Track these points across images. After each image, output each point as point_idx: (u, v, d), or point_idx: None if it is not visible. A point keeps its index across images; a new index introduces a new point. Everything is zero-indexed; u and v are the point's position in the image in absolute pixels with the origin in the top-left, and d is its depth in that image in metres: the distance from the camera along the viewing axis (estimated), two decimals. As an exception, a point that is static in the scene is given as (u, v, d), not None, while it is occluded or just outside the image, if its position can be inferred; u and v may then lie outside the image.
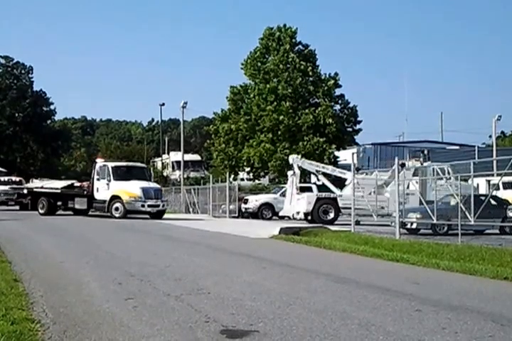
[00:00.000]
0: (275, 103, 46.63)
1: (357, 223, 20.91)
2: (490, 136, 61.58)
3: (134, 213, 29.03)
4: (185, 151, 55.72)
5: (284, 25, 49.79)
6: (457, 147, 55.21)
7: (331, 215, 26.66)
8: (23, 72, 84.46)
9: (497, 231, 19.96)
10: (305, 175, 48.02)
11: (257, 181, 50.37)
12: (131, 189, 28.90)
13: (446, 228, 19.64)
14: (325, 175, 30.28)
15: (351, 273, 11.17)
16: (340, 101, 49.78)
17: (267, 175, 50.13)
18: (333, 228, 21.02)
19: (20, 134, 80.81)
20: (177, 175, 54.64)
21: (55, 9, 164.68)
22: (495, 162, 25.80)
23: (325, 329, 6.27)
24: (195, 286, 8.93)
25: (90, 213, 31.36)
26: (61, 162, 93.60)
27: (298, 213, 27.35)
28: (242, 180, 50.56)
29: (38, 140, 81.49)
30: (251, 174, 49.33)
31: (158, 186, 32.15)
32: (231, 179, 48.80)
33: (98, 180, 29.90)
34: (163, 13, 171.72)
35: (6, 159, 75.06)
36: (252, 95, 48.68)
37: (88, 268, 11.03)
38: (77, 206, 31.09)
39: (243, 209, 34.25)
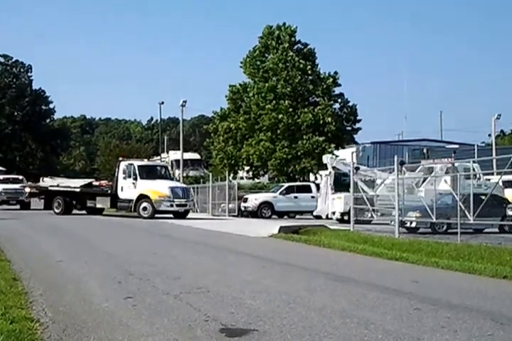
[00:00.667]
0: (274, 102, 46.60)
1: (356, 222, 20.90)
2: (489, 135, 61.58)
3: (162, 213, 28.42)
4: (185, 150, 55.71)
5: (284, 24, 49.76)
6: (456, 146, 55.14)
7: (368, 215, 26.25)
8: (22, 70, 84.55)
9: (496, 229, 19.94)
10: (303, 174, 48.13)
11: (256, 180, 50.35)
12: (159, 188, 28.42)
13: (445, 227, 19.62)
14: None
15: (350, 272, 11.17)
16: (339, 100, 49.75)
17: (266, 174, 50.11)
18: (332, 227, 21.02)
19: (20, 133, 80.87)
20: (176, 173, 54.56)
21: (55, 6, 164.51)
22: (494, 161, 25.79)
23: (324, 328, 6.26)
24: (194, 285, 8.93)
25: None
26: (60, 161, 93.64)
27: (334, 213, 27.09)
28: (242, 178, 50.54)
29: (37, 139, 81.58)
30: (250, 173, 49.31)
31: (185, 185, 31.74)
32: (230, 178, 48.88)
33: (124, 178, 29.34)
34: (162, 13, 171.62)
35: (4, 158, 75.10)
36: (251, 94, 48.63)
37: (87, 267, 11.03)
38: (98, 205, 30.49)
39: (242, 208, 34.20)
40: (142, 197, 28.30)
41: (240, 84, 49.97)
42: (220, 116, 49.91)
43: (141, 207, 28.18)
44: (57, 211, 30.87)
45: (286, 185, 35.71)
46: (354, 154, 45.32)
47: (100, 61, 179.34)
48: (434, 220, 18.11)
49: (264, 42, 49.50)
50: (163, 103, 60.68)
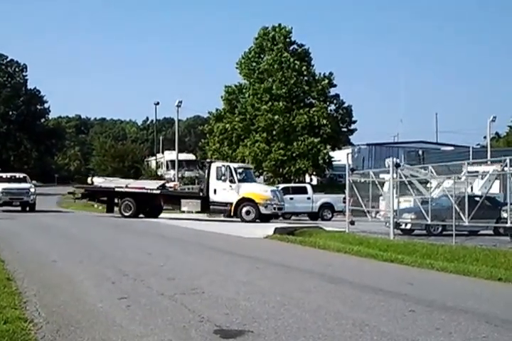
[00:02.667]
0: (270, 103, 46.63)
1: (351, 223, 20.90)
2: (484, 137, 61.75)
3: (266, 216, 27.22)
4: (180, 150, 55.57)
5: (279, 25, 49.81)
6: (452, 148, 55.27)
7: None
8: (17, 70, 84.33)
9: (491, 232, 19.96)
10: (299, 175, 48.15)
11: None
12: (262, 191, 27.69)
13: (440, 229, 19.64)
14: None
15: (345, 273, 11.18)
16: (335, 101, 49.83)
17: (261, 175, 50.10)
18: (327, 228, 21.02)
19: (14, 132, 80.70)
20: (171, 174, 54.44)
21: (50, 5, 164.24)
22: (489, 163, 25.80)
23: (319, 330, 6.26)
24: (189, 286, 8.91)
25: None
26: (55, 160, 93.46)
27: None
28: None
29: (31, 138, 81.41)
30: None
31: (279, 188, 31.04)
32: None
33: (220, 180, 27.90)
34: (158, 13, 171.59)
35: (-1, 157, 74.96)
36: (246, 95, 48.67)
37: (82, 267, 10.99)
38: (185, 208, 29.18)
39: (238, 209, 34.00)
40: (244, 201, 27.11)
41: (236, 85, 50.01)
42: (215, 117, 49.92)
43: (244, 210, 26.99)
44: (126, 214, 28.53)
45: (281, 186, 35.64)
46: (349, 156, 45.20)
47: (96, 61, 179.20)
48: (429, 222, 18.12)
49: (259, 44, 49.56)
50: (158, 103, 60.58)
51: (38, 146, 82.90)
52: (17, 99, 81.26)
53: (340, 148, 50.16)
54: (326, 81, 48.56)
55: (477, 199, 17.20)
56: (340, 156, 47.38)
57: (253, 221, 26.08)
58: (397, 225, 18.73)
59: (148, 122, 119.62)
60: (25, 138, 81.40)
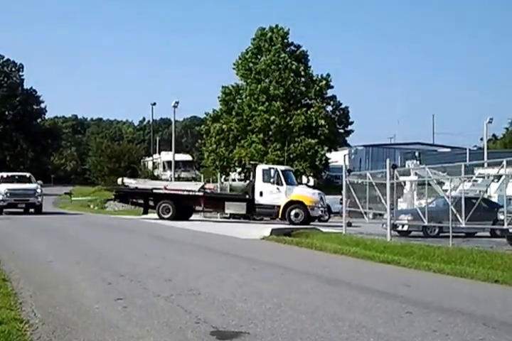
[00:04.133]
0: (267, 103, 46.65)
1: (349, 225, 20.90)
2: (481, 139, 61.92)
3: (312, 220, 27.11)
4: (177, 151, 55.56)
5: (276, 26, 49.83)
6: (448, 149, 55.38)
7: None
8: (13, 69, 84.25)
9: (488, 233, 19.98)
10: (296, 176, 48.13)
11: (248, 181, 50.29)
12: (310, 194, 27.65)
13: (437, 230, 19.67)
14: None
15: (342, 275, 11.17)
16: (332, 103, 49.88)
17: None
18: (324, 229, 21.01)
19: (10, 132, 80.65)
20: (168, 175, 54.42)
21: (46, 5, 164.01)
22: (486, 165, 25.84)
23: (315, 331, 6.25)
24: (185, 287, 8.90)
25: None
26: (51, 161, 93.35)
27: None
28: (234, 180, 50.47)
29: (28, 138, 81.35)
30: (242, 174, 49.28)
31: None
32: (222, 179, 48.76)
33: (266, 183, 27.68)
34: (155, 13, 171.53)
35: (-5, 157, 74.87)
36: (243, 95, 48.68)
37: (78, 268, 10.97)
38: (229, 210, 28.87)
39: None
40: (292, 203, 27.02)
41: (233, 86, 50.00)
42: (212, 118, 49.89)
43: (293, 213, 26.81)
44: (165, 216, 27.83)
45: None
46: (346, 157, 45.26)
47: (94, 61, 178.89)
48: (426, 224, 18.13)
49: (256, 44, 49.59)
50: (155, 104, 60.59)
51: (34, 146, 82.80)
52: (13, 99, 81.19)
53: (337, 150, 50.22)
54: (324, 82, 48.61)
55: (474, 201, 17.19)
56: (337, 157, 47.46)
57: (302, 223, 25.91)
58: (394, 227, 18.72)
59: (144, 122, 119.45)
60: (21, 138, 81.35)
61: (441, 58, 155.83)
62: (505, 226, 15.49)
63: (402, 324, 6.70)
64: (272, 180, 27.59)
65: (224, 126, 47.96)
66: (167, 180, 46.95)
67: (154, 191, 28.97)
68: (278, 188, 27.44)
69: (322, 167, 48.01)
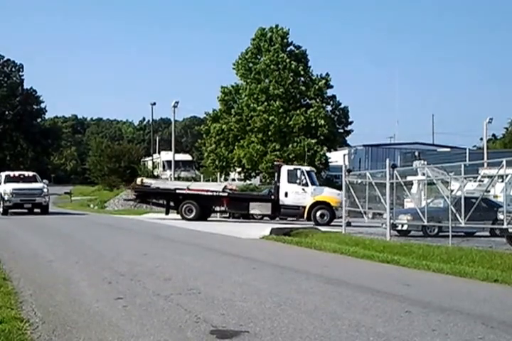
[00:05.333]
0: (266, 103, 46.62)
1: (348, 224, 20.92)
2: (481, 139, 61.90)
3: (333, 220, 26.84)
4: (176, 151, 55.59)
5: (276, 26, 49.77)
6: (448, 149, 55.35)
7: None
8: (13, 69, 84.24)
9: (487, 233, 19.99)
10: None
11: (248, 181, 50.29)
12: (334, 195, 27.26)
13: (436, 230, 19.65)
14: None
15: (342, 274, 11.17)
16: (331, 102, 49.84)
17: (258, 176, 50.08)
18: (324, 229, 21.02)
19: (10, 132, 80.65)
20: (168, 174, 54.44)
21: (46, 5, 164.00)
22: (485, 165, 25.84)
23: (315, 330, 6.26)
24: (185, 286, 8.91)
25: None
26: (51, 160, 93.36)
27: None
28: (234, 180, 50.48)
29: (28, 138, 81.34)
30: (242, 174, 49.28)
31: None
32: (222, 179, 48.76)
33: (292, 183, 27.64)
34: (155, 13, 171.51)
35: (-5, 157, 74.85)
36: (243, 95, 48.65)
37: (78, 268, 10.99)
38: (254, 211, 28.50)
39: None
40: (318, 204, 26.97)
41: (232, 86, 49.97)
42: (212, 118, 49.84)
43: (318, 213, 26.84)
44: (188, 216, 27.74)
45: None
46: (346, 157, 45.24)
47: (92, 61, 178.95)
48: (426, 223, 18.13)
49: (256, 44, 49.54)
50: (155, 104, 60.52)
51: (34, 146, 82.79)
52: (13, 99, 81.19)
53: (336, 149, 50.19)
54: (323, 81, 48.57)
55: (473, 200, 17.20)
56: (337, 157, 47.44)
57: (327, 224, 25.94)
58: (393, 226, 18.73)
59: (144, 122, 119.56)
60: (21, 137, 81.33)
61: (441, 58, 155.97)
62: (505, 226, 15.49)
63: (402, 323, 6.71)
64: (297, 181, 27.62)
65: (223, 126, 47.93)
66: (167, 180, 47.02)
67: (177, 191, 28.67)
68: (303, 189, 27.45)
69: (321, 167, 47.97)
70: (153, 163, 62.98)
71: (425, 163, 27.54)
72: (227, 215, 32.56)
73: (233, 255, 14.09)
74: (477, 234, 19.92)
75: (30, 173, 33.70)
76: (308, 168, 29.76)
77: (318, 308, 7.48)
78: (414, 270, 11.79)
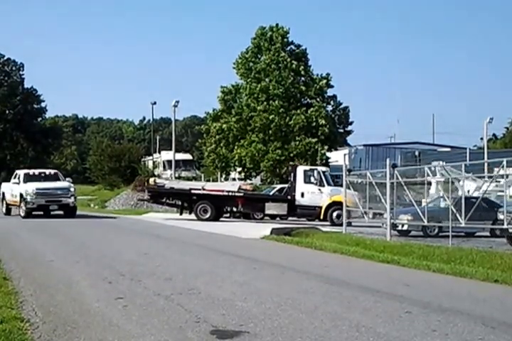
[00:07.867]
0: (266, 103, 46.60)
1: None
2: (481, 139, 61.86)
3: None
4: (177, 150, 55.55)
5: (277, 25, 49.70)
6: (448, 149, 55.34)
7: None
8: (13, 68, 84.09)
9: (488, 233, 20.00)
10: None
11: (248, 181, 50.28)
12: (349, 195, 26.04)
13: (437, 230, 19.66)
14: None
15: (342, 274, 11.18)
16: (332, 102, 49.82)
17: (258, 175, 50.08)
18: (324, 229, 21.03)
19: (11, 131, 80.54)
20: (168, 174, 54.39)
21: (45, 4, 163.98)
22: (486, 164, 25.84)
23: (315, 330, 6.26)
24: (185, 286, 8.91)
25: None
26: (51, 160, 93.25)
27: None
28: (234, 179, 50.47)
29: (28, 137, 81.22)
30: (242, 174, 49.26)
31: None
32: (222, 179, 48.74)
33: (308, 184, 27.62)
34: (155, 13, 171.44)
35: (-5, 156, 74.82)
36: (243, 95, 48.62)
37: (78, 267, 10.99)
38: (270, 211, 28.34)
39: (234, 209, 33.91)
40: (334, 204, 26.59)
41: (232, 85, 49.93)
42: (212, 117, 49.81)
43: (335, 214, 26.68)
44: (203, 217, 27.41)
45: (278, 186, 35.55)
46: (346, 156, 45.24)
47: (93, 60, 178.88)
48: (426, 223, 18.13)
49: (256, 43, 49.48)
50: (155, 103, 60.51)
51: (34, 145, 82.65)
52: (14, 98, 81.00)
53: (337, 149, 50.18)
54: (324, 81, 48.54)
55: (474, 200, 17.20)
56: (337, 157, 47.43)
57: (342, 224, 25.86)
58: (393, 226, 18.74)
59: (145, 122, 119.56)
60: (21, 137, 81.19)
61: (441, 58, 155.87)
62: (505, 226, 15.50)
63: (402, 323, 6.71)
64: (314, 181, 27.65)
65: (224, 126, 47.90)
66: (167, 179, 47.05)
67: (192, 191, 28.37)
68: (320, 189, 27.46)
69: (322, 166, 47.94)
70: (153, 162, 62.96)
71: (444, 163, 27.33)
72: (228, 215, 32.53)
73: (234, 255, 14.09)
74: (477, 234, 19.93)
75: (52, 171, 30.80)
76: (324, 169, 29.80)
77: (318, 308, 7.48)
78: (415, 270, 11.79)
